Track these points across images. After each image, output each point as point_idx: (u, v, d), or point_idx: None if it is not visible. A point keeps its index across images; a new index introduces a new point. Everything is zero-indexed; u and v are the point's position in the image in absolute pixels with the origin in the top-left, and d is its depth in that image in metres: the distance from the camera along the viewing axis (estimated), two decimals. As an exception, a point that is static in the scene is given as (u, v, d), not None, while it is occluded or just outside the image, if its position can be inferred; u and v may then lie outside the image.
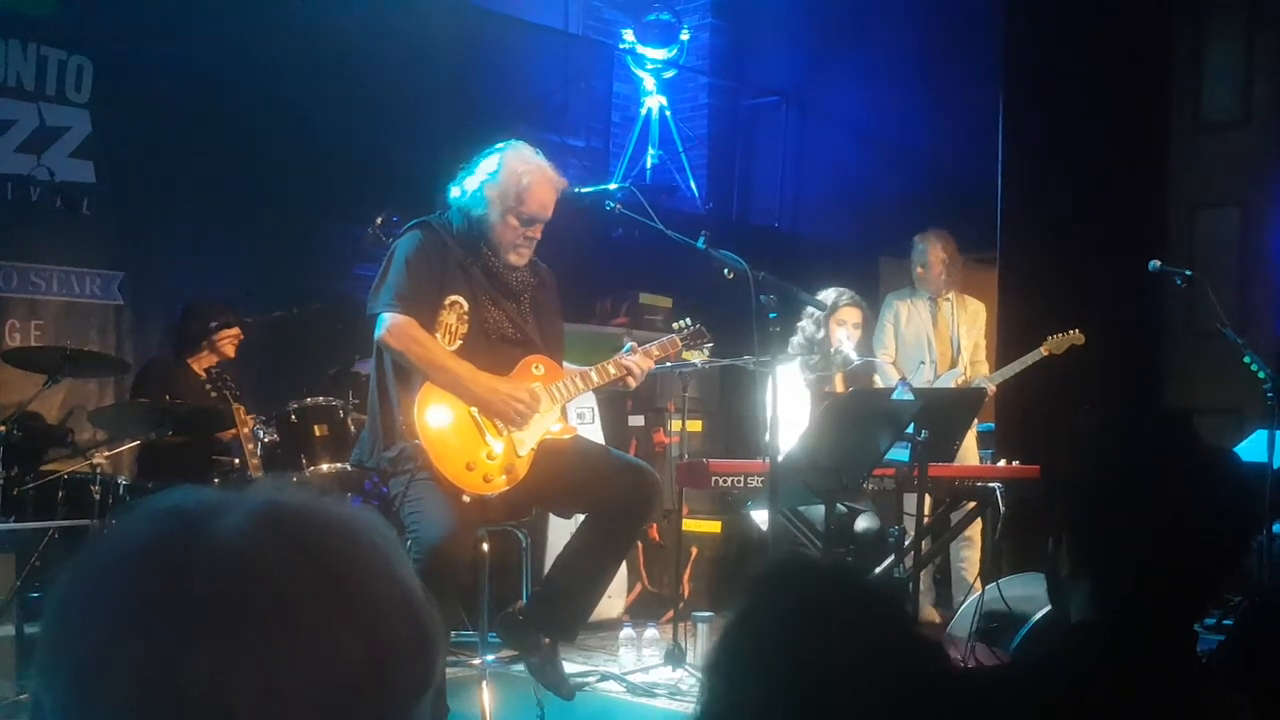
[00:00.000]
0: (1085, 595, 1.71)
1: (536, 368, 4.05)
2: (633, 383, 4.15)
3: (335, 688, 0.75)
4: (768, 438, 5.28)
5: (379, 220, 5.43)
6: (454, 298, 3.91)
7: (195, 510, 0.79)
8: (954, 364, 6.25)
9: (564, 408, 4.11)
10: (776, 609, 1.18)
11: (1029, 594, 4.74)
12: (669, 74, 8.79)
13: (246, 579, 0.75)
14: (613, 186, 4.08)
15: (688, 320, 4.45)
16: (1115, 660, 1.65)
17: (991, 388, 5.98)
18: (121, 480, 5.12)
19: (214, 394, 5.13)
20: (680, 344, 4.40)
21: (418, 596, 0.82)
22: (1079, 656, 1.71)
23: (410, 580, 0.82)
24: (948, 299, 6.28)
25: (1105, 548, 1.69)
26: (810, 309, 5.32)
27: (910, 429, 4.11)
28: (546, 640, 4.04)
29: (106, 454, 5.19)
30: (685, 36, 8.78)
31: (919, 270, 6.28)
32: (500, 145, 4.04)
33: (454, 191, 4.03)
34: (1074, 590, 1.74)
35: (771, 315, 3.76)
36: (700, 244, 3.89)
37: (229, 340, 5.75)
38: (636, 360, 4.12)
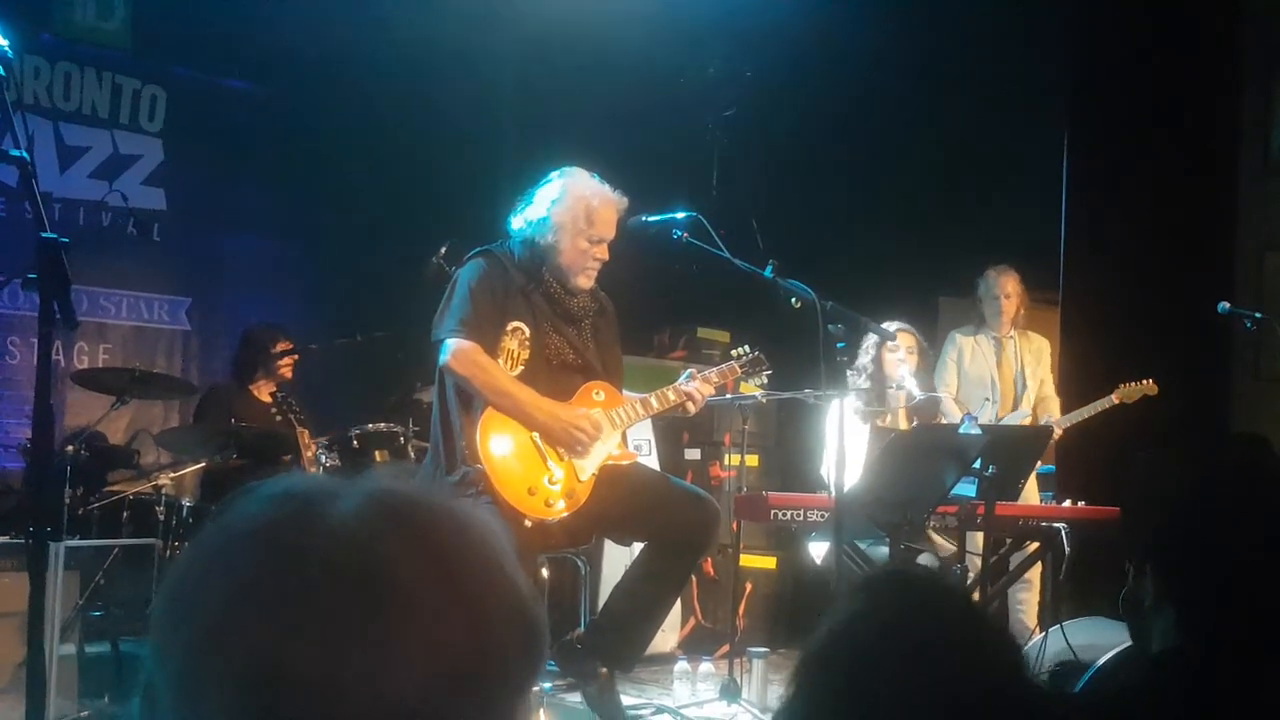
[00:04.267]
0: (1169, 626, 1.68)
1: (597, 393, 4.06)
2: (693, 408, 4.16)
3: (443, 675, 0.75)
4: (824, 470, 5.27)
5: (443, 250, 5.47)
6: (516, 324, 3.94)
7: (310, 494, 0.79)
8: (1016, 404, 6.17)
9: (624, 433, 4.11)
10: (888, 616, 1.16)
11: (1092, 638, 4.64)
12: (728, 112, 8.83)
13: (361, 562, 0.75)
14: (680, 215, 4.07)
15: (747, 348, 4.45)
16: (1198, 691, 1.62)
17: (1058, 431, 5.90)
18: (185, 502, 5.17)
19: (279, 418, 5.18)
20: (739, 370, 4.40)
21: (524, 590, 0.81)
22: (1161, 687, 1.67)
23: (516, 574, 0.81)
24: (1011, 337, 6.22)
25: (1191, 576, 1.66)
26: (868, 338, 5.30)
27: (977, 464, 4.06)
28: (604, 670, 4.03)
29: (171, 476, 5.24)
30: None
31: (988, 301, 6.20)
32: (556, 172, 4.08)
33: (516, 222, 4.06)
34: (1157, 621, 1.71)
35: (840, 345, 3.74)
36: (768, 272, 3.88)
37: (287, 365, 5.82)
38: (696, 386, 4.12)
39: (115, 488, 5.32)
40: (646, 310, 7.09)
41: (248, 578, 0.75)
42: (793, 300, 3.80)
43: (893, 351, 5.40)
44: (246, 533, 0.78)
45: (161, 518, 4.93)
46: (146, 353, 6.53)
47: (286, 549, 0.76)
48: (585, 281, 4.04)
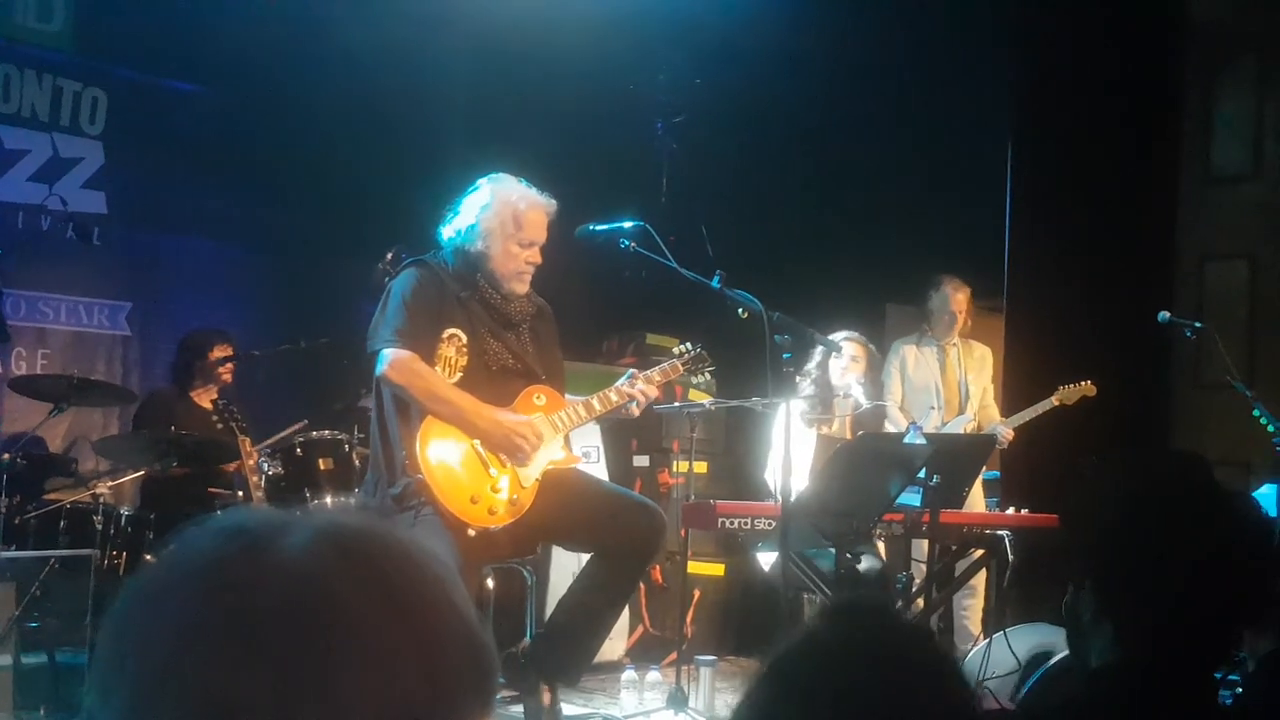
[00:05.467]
0: (1108, 640, 1.69)
1: (538, 398, 4.04)
2: (636, 410, 4.14)
3: (395, 710, 0.74)
4: (767, 475, 5.28)
5: (389, 256, 5.43)
6: (452, 331, 3.92)
7: (259, 529, 0.78)
8: (961, 410, 6.24)
9: (568, 437, 4.09)
10: (828, 647, 1.16)
11: (1035, 644, 4.69)
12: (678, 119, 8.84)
13: (312, 598, 0.74)
14: (627, 225, 4.07)
15: (689, 345, 4.45)
16: (1136, 705, 1.63)
17: (1009, 432, 5.99)
18: (124, 511, 5.08)
19: (220, 425, 5.10)
20: (682, 368, 4.39)
21: (475, 625, 0.81)
22: (1099, 702, 1.69)
23: (466, 606, 0.81)
24: (954, 344, 6.28)
25: (1129, 591, 1.67)
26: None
27: (922, 474, 4.08)
28: (546, 687, 4.00)
29: (109, 484, 5.15)
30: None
31: (941, 315, 6.26)
32: (484, 179, 4.07)
33: (446, 232, 4.06)
34: (1095, 636, 1.72)
35: (786, 356, 3.74)
36: (715, 283, 3.88)
37: (227, 370, 5.73)
38: (640, 387, 4.11)
39: (53, 496, 5.22)
40: (595, 316, 7.08)
41: (197, 615, 0.74)
42: (740, 310, 3.81)
43: (836, 359, 5.44)
44: (195, 569, 0.76)
45: (100, 527, 4.84)
46: (86, 359, 6.41)
47: (236, 586, 0.74)
48: (520, 286, 4.03)
